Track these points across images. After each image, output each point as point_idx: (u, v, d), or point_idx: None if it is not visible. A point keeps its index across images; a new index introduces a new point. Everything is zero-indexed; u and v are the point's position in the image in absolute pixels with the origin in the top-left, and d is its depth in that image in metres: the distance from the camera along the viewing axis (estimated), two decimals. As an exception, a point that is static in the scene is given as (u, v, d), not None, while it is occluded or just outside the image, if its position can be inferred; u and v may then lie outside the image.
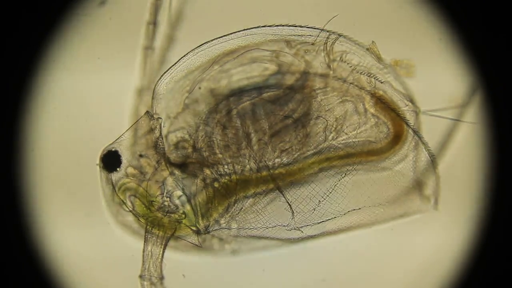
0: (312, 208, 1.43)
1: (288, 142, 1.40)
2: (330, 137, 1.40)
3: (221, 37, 1.42)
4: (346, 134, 1.41)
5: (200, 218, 1.43)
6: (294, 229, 1.44)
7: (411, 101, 1.43)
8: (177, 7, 1.49)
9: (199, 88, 1.41)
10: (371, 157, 1.42)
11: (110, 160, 1.42)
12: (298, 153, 1.40)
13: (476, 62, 1.47)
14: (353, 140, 1.41)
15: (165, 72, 1.43)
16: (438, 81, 1.48)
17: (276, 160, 1.40)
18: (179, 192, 1.43)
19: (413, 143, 1.43)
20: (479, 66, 1.47)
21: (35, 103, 1.48)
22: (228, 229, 1.44)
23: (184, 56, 1.42)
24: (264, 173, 1.41)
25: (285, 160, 1.40)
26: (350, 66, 1.41)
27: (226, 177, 1.41)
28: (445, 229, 1.50)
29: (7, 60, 1.45)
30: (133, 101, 1.48)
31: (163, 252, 1.46)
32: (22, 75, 1.47)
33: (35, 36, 1.47)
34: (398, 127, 1.42)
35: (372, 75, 1.41)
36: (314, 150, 1.41)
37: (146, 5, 1.50)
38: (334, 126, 1.40)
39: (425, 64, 1.47)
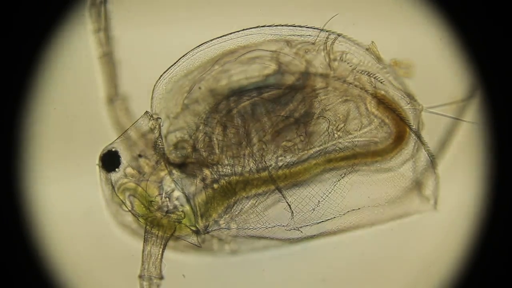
0: (311, 208, 1.43)
1: (290, 141, 1.40)
2: (334, 137, 1.40)
3: (220, 37, 1.41)
4: (350, 134, 1.41)
5: (199, 218, 1.43)
6: (294, 229, 1.44)
7: (413, 99, 1.43)
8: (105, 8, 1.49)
9: (199, 88, 1.41)
10: (375, 158, 1.42)
11: (110, 160, 1.42)
12: (302, 152, 1.40)
13: (476, 62, 1.47)
14: (358, 140, 1.41)
15: (164, 72, 1.43)
16: (438, 81, 1.48)
17: (280, 158, 1.40)
18: (179, 192, 1.43)
19: (417, 145, 1.43)
20: (479, 66, 1.47)
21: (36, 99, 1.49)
22: (227, 229, 1.44)
23: (184, 56, 1.42)
24: (264, 173, 1.41)
25: (288, 159, 1.40)
26: (351, 66, 1.41)
27: (226, 178, 1.41)
28: (445, 229, 1.50)
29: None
30: (108, 112, 1.48)
31: (163, 252, 1.46)
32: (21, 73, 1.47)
33: (33, 35, 1.47)
34: (400, 127, 1.42)
35: (372, 74, 1.41)
36: (317, 150, 1.40)
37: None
38: (336, 125, 1.40)
39: (425, 64, 1.47)
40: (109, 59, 1.47)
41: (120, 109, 1.48)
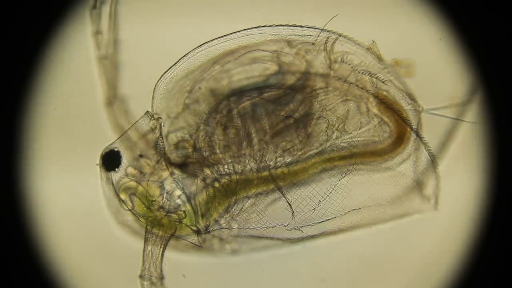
0: (312, 208, 1.43)
1: (290, 142, 1.40)
2: (333, 137, 1.40)
3: (221, 37, 1.42)
4: (349, 133, 1.41)
5: (200, 218, 1.43)
6: (295, 229, 1.44)
7: (414, 99, 1.43)
8: (114, 9, 1.49)
9: (200, 88, 1.41)
10: (375, 158, 1.42)
11: (111, 160, 1.42)
12: (300, 152, 1.40)
13: (476, 62, 1.47)
14: (357, 139, 1.41)
15: (165, 72, 1.43)
16: (438, 81, 1.48)
17: (279, 159, 1.40)
18: (179, 192, 1.43)
19: (416, 144, 1.43)
20: (479, 66, 1.47)
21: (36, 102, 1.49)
22: (228, 229, 1.44)
23: (185, 56, 1.42)
24: (265, 173, 1.41)
25: (287, 159, 1.40)
26: (351, 67, 1.41)
27: (227, 177, 1.41)
28: (445, 229, 1.50)
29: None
30: (107, 114, 1.48)
31: (163, 252, 1.46)
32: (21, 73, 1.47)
33: (33, 35, 1.47)
34: (401, 128, 1.42)
35: (373, 74, 1.41)
36: (317, 150, 1.41)
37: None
38: (336, 125, 1.40)
39: (425, 64, 1.47)
40: (108, 62, 1.47)
41: (119, 111, 1.47)
